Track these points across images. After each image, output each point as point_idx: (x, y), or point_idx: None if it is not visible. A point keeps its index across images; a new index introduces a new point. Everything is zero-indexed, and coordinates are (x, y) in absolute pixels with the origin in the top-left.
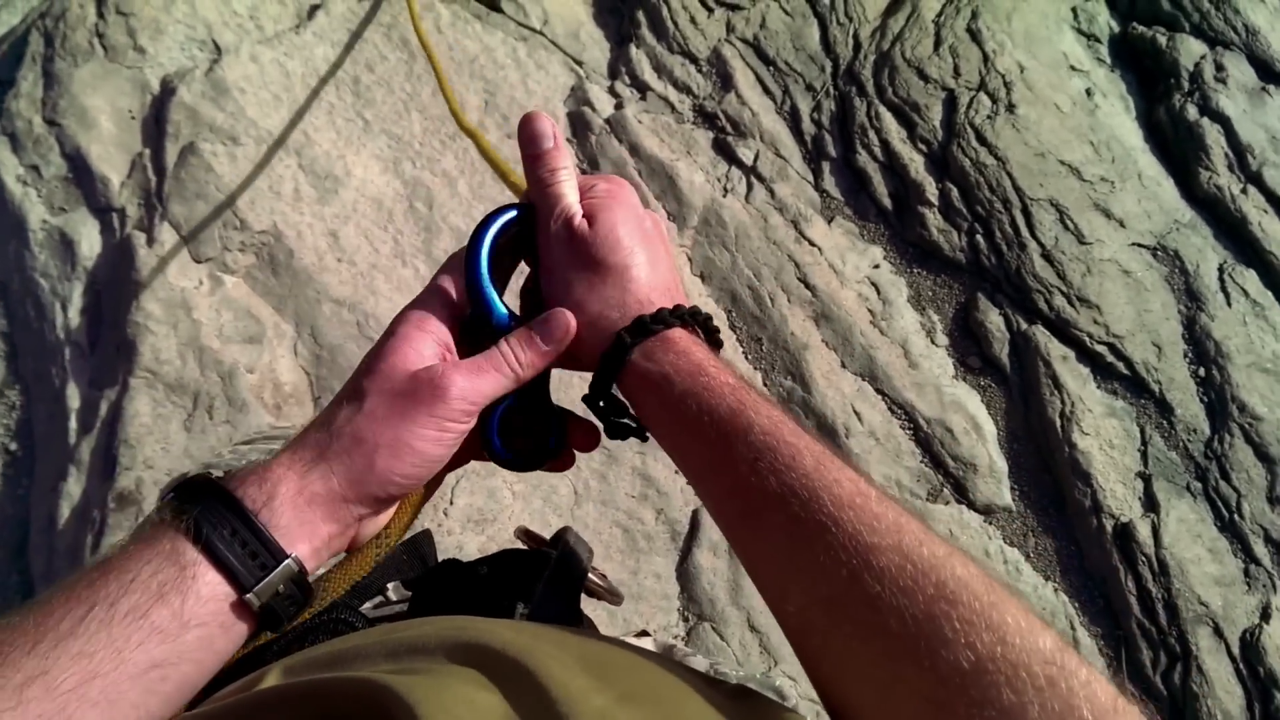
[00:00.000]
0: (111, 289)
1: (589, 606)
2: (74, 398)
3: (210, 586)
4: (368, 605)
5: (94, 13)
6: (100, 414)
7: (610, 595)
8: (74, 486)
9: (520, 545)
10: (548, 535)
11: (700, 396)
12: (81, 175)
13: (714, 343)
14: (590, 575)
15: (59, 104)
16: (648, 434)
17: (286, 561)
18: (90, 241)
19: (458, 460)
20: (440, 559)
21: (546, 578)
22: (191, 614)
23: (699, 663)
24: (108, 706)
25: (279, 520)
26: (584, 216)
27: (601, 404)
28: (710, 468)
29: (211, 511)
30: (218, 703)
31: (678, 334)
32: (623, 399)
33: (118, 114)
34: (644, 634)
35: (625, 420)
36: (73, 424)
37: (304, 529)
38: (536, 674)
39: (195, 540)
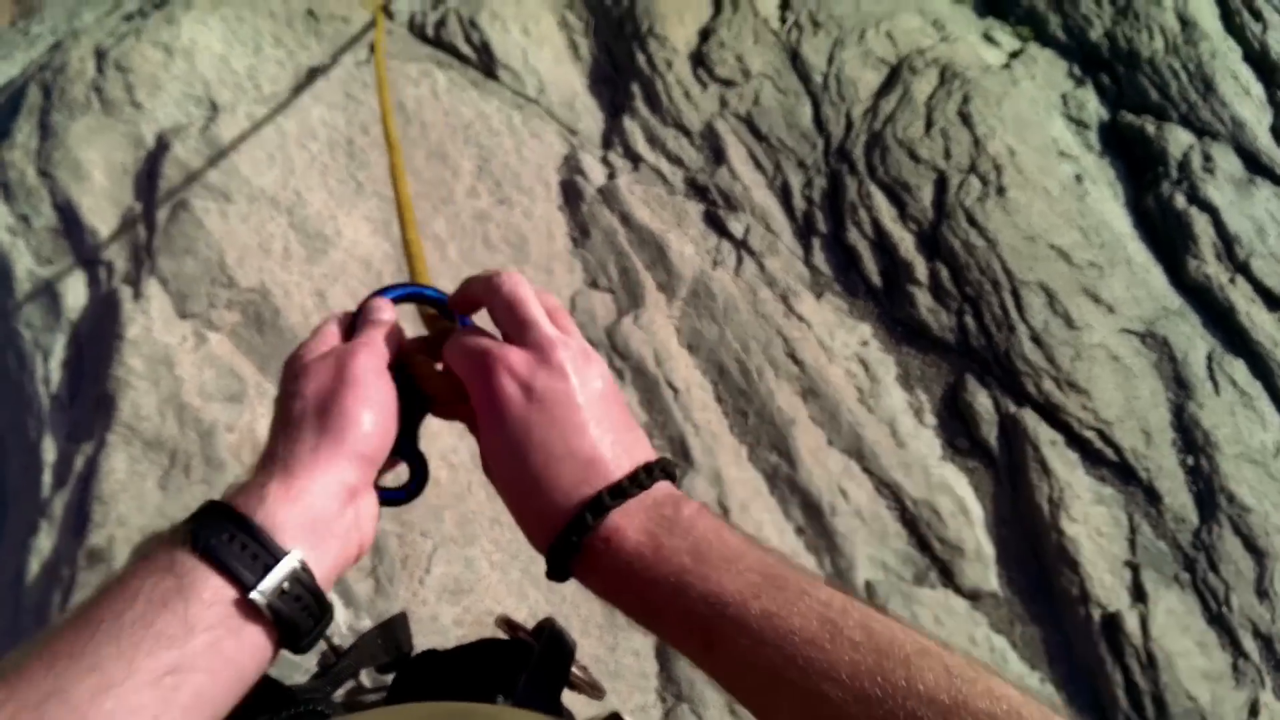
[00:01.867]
0: (94, 342)
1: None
2: (50, 450)
3: (213, 589)
4: (340, 692)
5: (93, 67)
6: (75, 468)
7: (592, 689)
8: (44, 541)
9: (501, 635)
10: (525, 613)
11: (643, 597)
12: (71, 227)
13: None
14: (573, 669)
15: (53, 156)
16: None
17: (288, 557)
18: (76, 293)
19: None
20: (415, 630)
21: (529, 670)
22: (196, 618)
23: None
24: (126, 716)
25: (273, 518)
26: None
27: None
28: (673, 642)
29: (208, 519)
30: None
31: (619, 521)
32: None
33: (111, 167)
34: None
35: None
36: (47, 477)
37: (300, 521)
38: None
39: (194, 548)
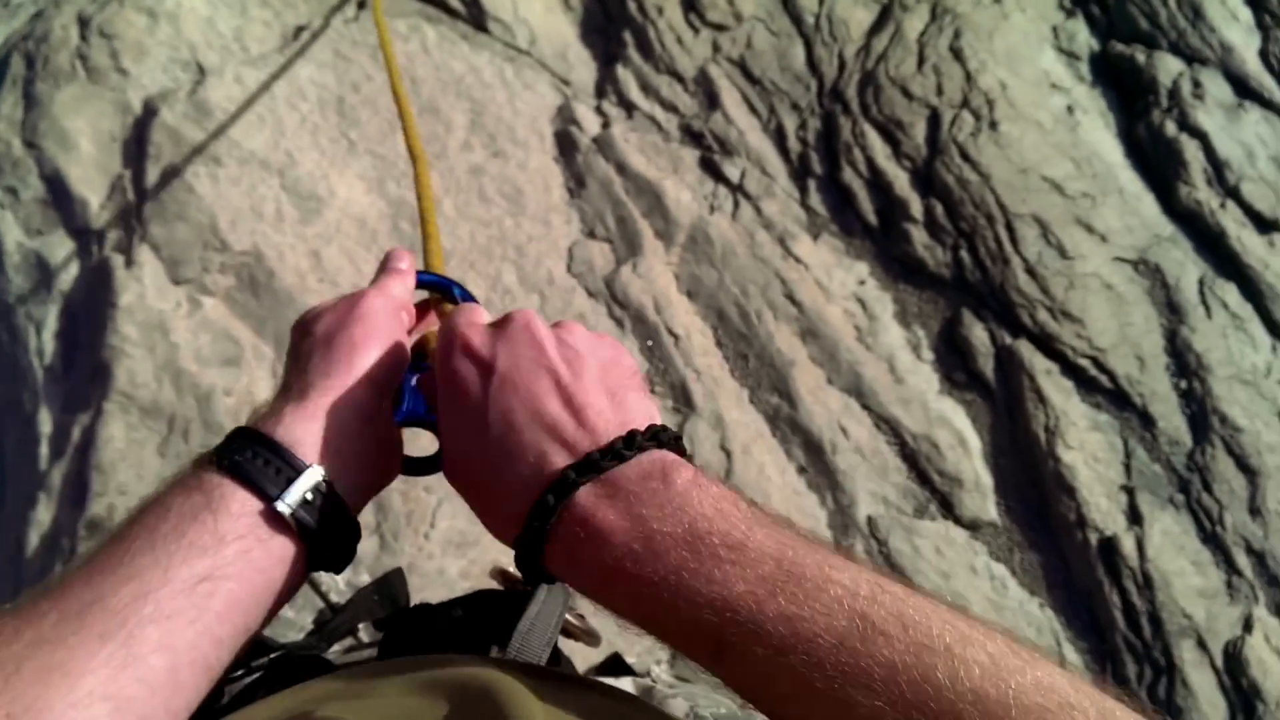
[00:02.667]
0: (87, 312)
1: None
2: (46, 423)
3: (240, 502)
4: (337, 648)
5: (76, 35)
6: (73, 439)
7: (588, 636)
8: (44, 513)
9: (495, 585)
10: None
11: (614, 591)
12: (60, 197)
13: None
14: (568, 616)
15: (39, 126)
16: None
17: (308, 470)
18: (67, 264)
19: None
20: (421, 585)
21: (530, 614)
22: (226, 529)
23: (679, 706)
24: (164, 620)
25: (293, 435)
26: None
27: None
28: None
29: (233, 441)
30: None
31: (585, 501)
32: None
33: (98, 136)
34: (621, 664)
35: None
36: (44, 449)
37: (317, 440)
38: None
39: (219, 466)
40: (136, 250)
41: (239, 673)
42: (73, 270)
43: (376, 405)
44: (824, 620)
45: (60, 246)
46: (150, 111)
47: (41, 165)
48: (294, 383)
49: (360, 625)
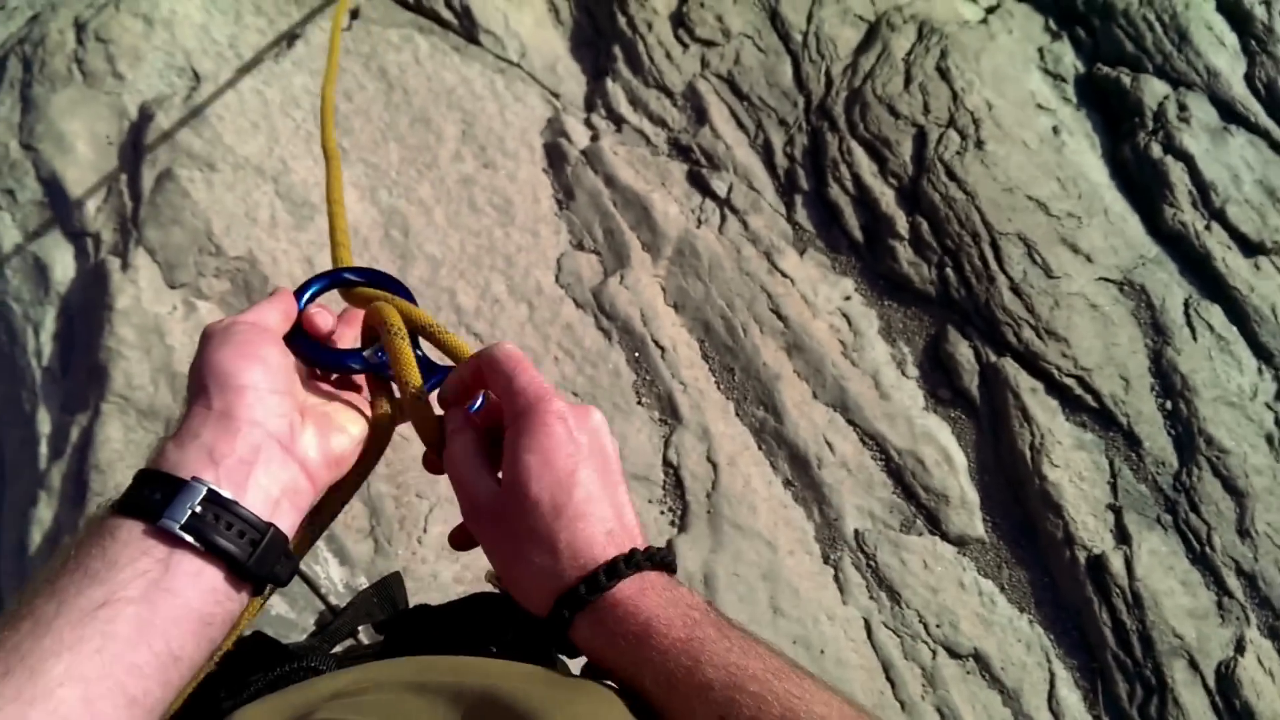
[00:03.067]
0: (84, 314)
1: None
2: (45, 423)
3: (126, 529)
4: (338, 649)
5: (73, 39)
6: (71, 439)
7: None
8: (45, 512)
9: (492, 588)
10: None
11: (654, 663)
12: (57, 200)
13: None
14: None
15: (36, 129)
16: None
17: (189, 485)
18: (64, 266)
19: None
20: (415, 589)
21: (518, 623)
22: (116, 554)
23: None
24: (67, 652)
25: (169, 460)
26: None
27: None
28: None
29: (125, 489)
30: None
31: (631, 586)
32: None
33: (95, 139)
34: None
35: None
36: (43, 449)
37: (199, 454)
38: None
39: (110, 510)
40: (132, 254)
41: (238, 673)
42: (70, 272)
43: (251, 409)
44: (821, 710)
45: (57, 249)
46: (146, 116)
47: (39, 168)
48: (178, 424)
49: (360, 628)
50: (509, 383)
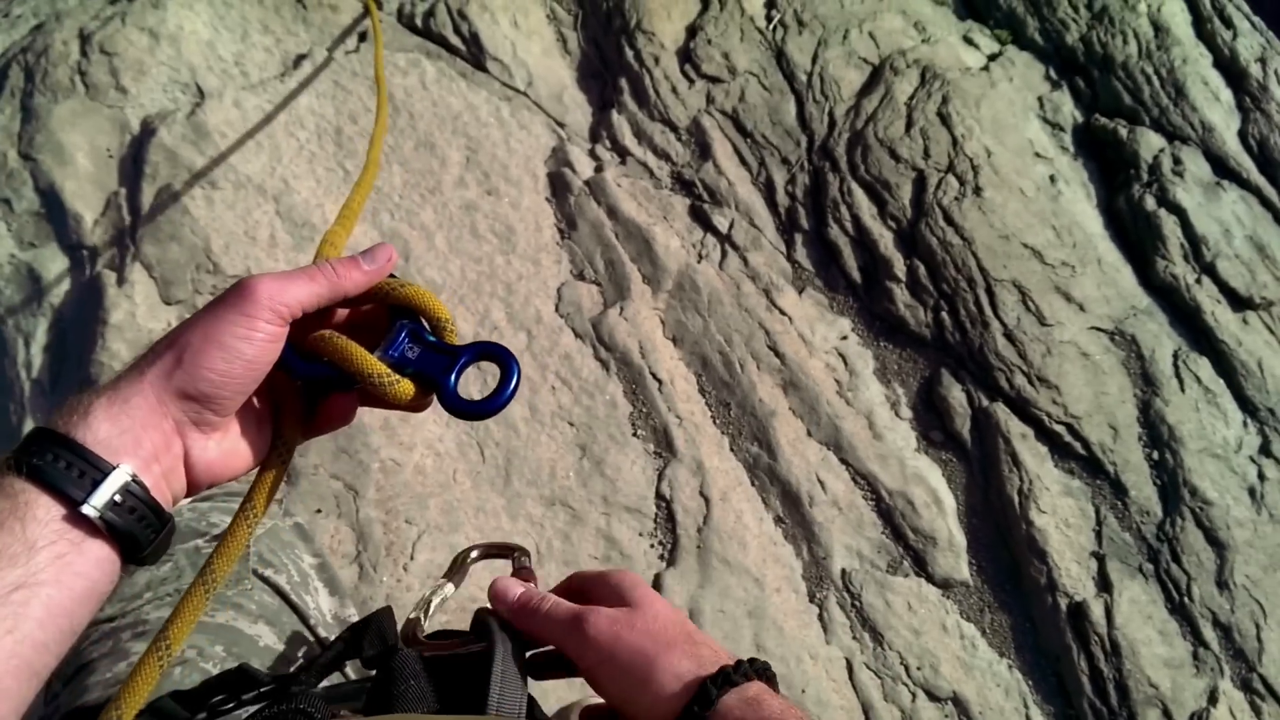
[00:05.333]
0: (77, 327)
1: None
2: None
3: (44, 508)
4: (325, 684)
5: (77, 50)
6: None
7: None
8: None
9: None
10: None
11: None
12: (54, 211)
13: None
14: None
15: (35, 139)
16: None
17: (115, 472)
18: (58, 278)
19: (332, 419)
20: (401, 615)
21: (496, 675)
22: (35, 535)
23: None
24: None
25: (97, 435)
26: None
27: None
28: None
29: (30, 444)
30: None
31: (759, 688)
32: None
33: (95, 152)
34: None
35: None
36: None
37: (125, 438)
38: None
39: (19, 471)
40: (129, 268)
41: (228, 705)
42: (64, 285)
43: (187, 408)
44: None
45: (53, 260)
46: (148, 131)
47: (37, 178)
48: (119, 375)
49: (347, 662)
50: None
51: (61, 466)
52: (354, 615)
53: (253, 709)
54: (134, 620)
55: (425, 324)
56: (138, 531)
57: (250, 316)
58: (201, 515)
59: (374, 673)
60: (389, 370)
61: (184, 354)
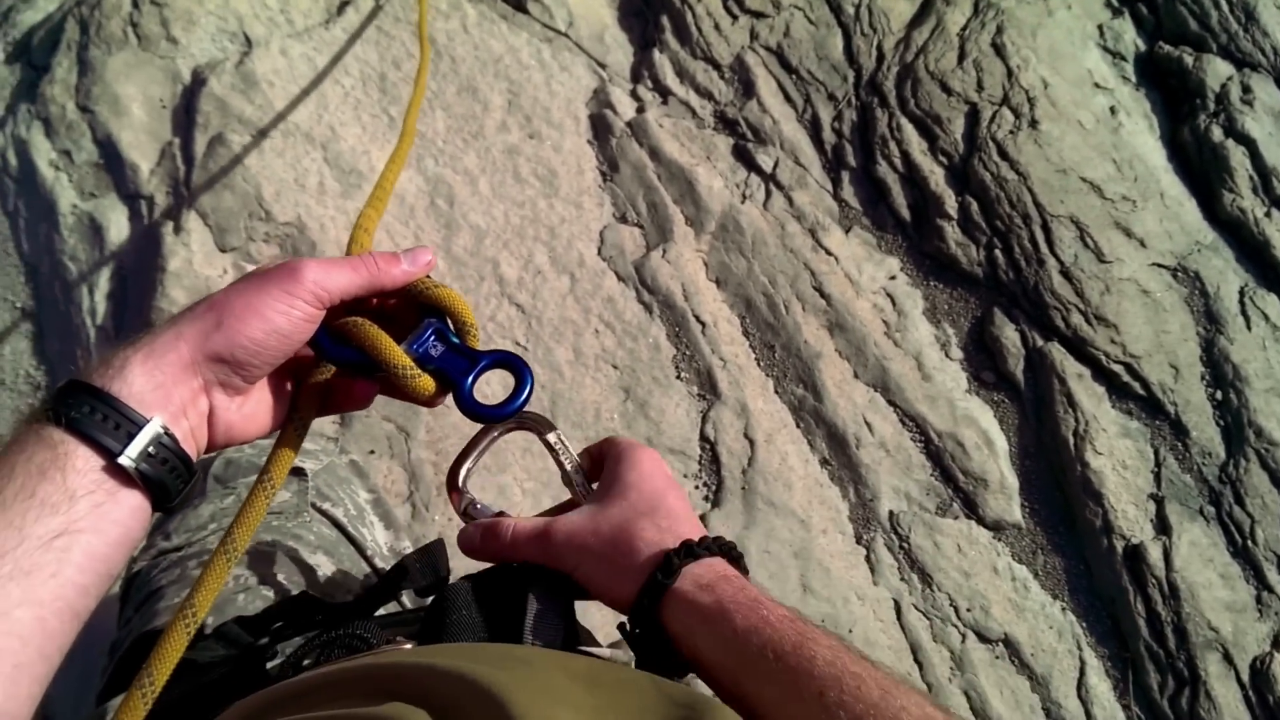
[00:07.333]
0: (138, 275)
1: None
2: None
3: (83, 459)
4: (381, 612)
5: (129, 2)
6: None
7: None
8: None
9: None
10: None
11: (761, 631)
12: (112, 162)
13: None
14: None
15: (92, 91)
16: (688, 669)
17: (149, 425)
18: (119, 227)
19: (348, 402)
20: (450, 554)
21: (537, 598)
22: (75, 485)
23: None
24: (24, 578)
25: (132, 389)
26: (609, 456)
27: (639, 631)
28: (776, 704)
29: (68, 395)
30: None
31: (725, 566)
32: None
33: (149, 103)
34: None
35: (665, 653)
36: None
37: (158, 393)
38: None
39: (58, 423)
40: (184, 216)
41: (289, 630)
42: (124, 233)
43: (214, 369)
44: (828, 653)
45: (112, 210)
46: (199, 81)
47: (95, 130)
48: (155, 331)
49: (403, 592)
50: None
51: (99, 419)
52: (408, 547)
53: (312, 634)
54: (199, 550)
55: (450, 325)
56: (168, 481)
57: (292, 295)
58: (262, 451)
59: (428, 601)
60: (413, 364)
61: (225, 318)
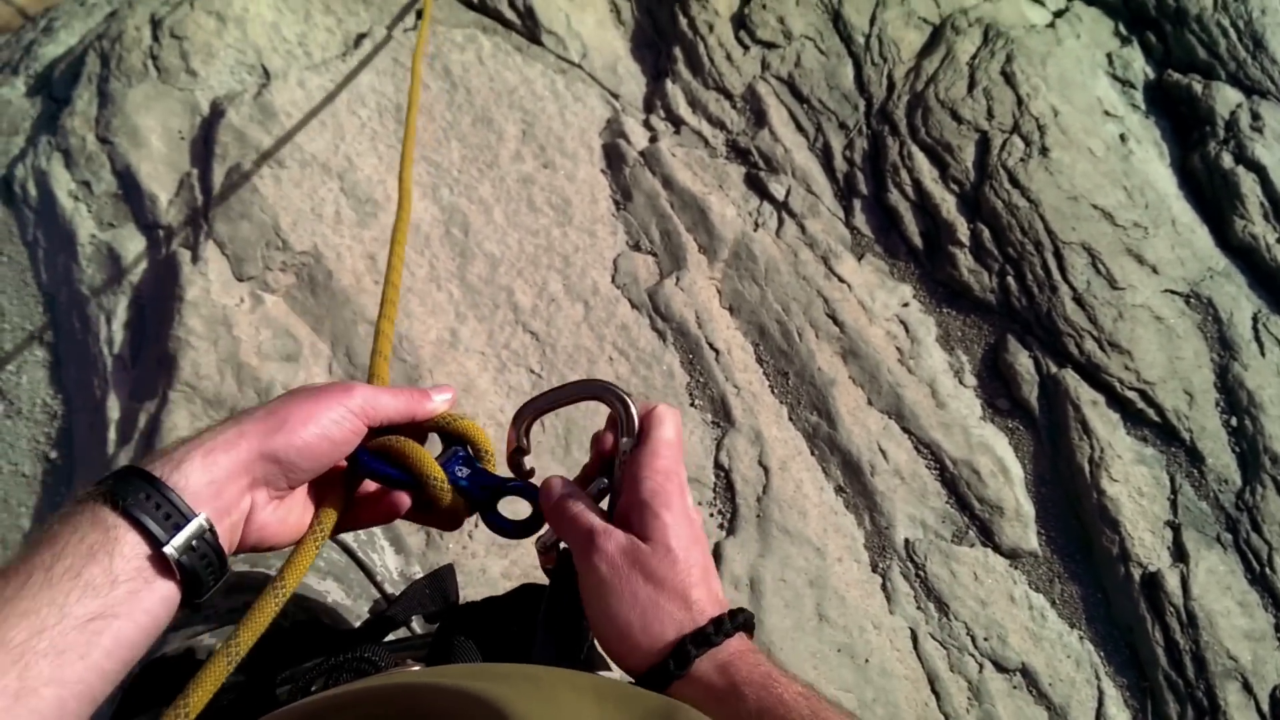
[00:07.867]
0: (155, 304)
1: None
2: (114, 409)
3: (131, 545)
4: (390, 638)
5: (149, 35)
6: (139, 426)
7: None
8: None
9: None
10: None
11: (774, 711)
12: (131, 192)
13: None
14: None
15: (112, 122)
16: None
17: (197, 519)
18: (136, 257)
19: (372, 516)
20: (464, 582)
21: (545, 600)
22: (119, 570)
23: None
24: (56, 656)
25: (188, 481)
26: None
27: None
28: None
29: (126, 481)
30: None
31: (741, 642)
32: None
33: (168, 134)
34: None
35: None
36: (112, 434)
37: (210, 489)
38: None
39: (115, 507)
40: (202, 246)
41: (296, 657)
42: (142, 263)
43: (265, 473)
44: None
45: (131, 240)
46: (217, 112)
47: (114, 160)
48: (216, 428)
49: (413, 617)
50: (654, 438)
51: (152, 506)
52: (419, 573)
53: (320, 659)
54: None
55: (470, 451)
56: (202, 574)
57: (348, 408)
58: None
59: (437, 627)
60: (448, 480)
61: (287, 421)
